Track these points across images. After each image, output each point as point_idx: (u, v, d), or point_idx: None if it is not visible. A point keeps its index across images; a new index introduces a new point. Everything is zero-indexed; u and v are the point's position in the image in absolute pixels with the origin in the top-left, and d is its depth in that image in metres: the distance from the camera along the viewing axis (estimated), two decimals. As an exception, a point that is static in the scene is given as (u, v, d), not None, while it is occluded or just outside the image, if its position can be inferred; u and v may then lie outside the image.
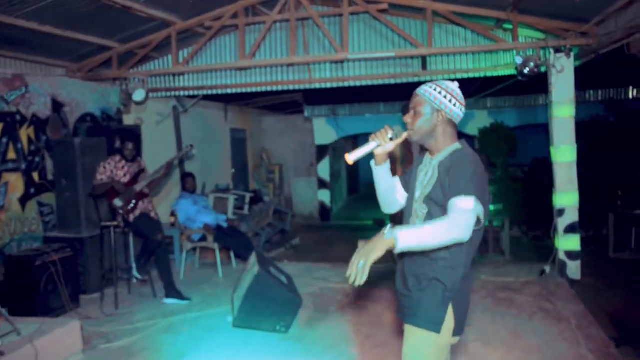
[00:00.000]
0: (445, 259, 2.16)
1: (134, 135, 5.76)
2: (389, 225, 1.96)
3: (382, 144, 2.38)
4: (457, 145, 2.27)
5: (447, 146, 2.27)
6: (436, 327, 2.18)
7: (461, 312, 2.21)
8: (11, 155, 5.83)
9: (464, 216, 1.97)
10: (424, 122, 2.26)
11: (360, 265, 1.90)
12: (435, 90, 2.25)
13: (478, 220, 2.05)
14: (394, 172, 2.54)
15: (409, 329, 2.27)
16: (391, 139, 2.38)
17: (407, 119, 2.32)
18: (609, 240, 7.57)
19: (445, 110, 2.23)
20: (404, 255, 2.26)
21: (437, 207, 2.18)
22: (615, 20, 5.29)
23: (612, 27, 5.33)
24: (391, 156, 2.53)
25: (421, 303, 2.21)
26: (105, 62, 7.05)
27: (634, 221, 7.58)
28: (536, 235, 8.91)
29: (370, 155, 2.48)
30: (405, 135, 2.37)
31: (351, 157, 2.35)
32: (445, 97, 2.23)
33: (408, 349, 2.26)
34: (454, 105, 2.24)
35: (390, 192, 2.51)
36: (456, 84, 2.29)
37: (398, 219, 2.46)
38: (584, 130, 6.31)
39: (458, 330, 2.22)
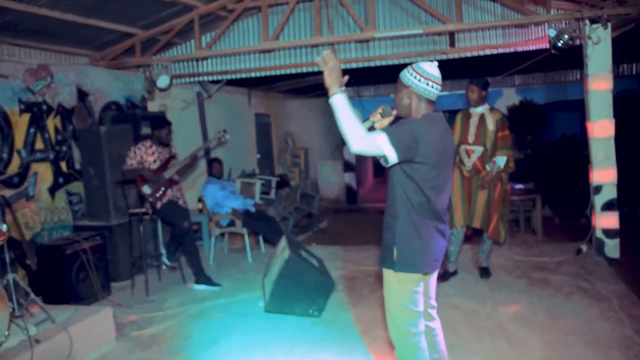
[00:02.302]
0: (390, 211, 2.69)
1: (166, 121, 5.75)
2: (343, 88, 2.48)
3: (377, 120, 2.85)
4: (421, 114, 2.68)
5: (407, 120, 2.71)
6: (388, 264, 2.67)
7: (407, 253, 2.61)
8: (39, 145, 5.85)
9: (370, 137, 2.46)
10: (400, 99, 2.74)
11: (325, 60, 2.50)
12: (407, 71, 2.69)
13: (390, 162, 2.53)
14: None
15: (383, 272, 2.76)
16: (382, 116, 2.85)
17: (394, 98, 2.81)
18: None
19: (412, 86, 2.65)
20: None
21: (392, 172, 2.68)
22: (657, -14, 5.05)
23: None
24: None
25: (382, 247, 2.74)
26: (128, 50, 7.00)
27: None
28: (568, 215, 8.69)
29: None
30: (394, 112, 2.84)
31: None
32: (412, 75, 2.65)
33: (383, 289, 2.77)
34: (419, 81, 2.63)
35: None
36: (432, 64, 2.68)
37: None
38: (618, 105, 6.07)
39: (409, 268, 2.62)
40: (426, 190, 2.59)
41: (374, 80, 10.64)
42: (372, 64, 7.10)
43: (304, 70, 7.46)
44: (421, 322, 2.73)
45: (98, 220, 6.07)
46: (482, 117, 5.17)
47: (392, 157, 2.48)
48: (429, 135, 2.55)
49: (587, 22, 5.77)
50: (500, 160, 5.10)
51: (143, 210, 5.67)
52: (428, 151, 2.54)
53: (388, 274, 2.70)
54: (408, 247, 2.62)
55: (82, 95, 6.48)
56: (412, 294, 2.67)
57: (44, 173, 5.90)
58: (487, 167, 5.13)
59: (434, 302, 2.92)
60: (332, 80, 2.47)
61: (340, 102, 2.44)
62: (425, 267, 2.67)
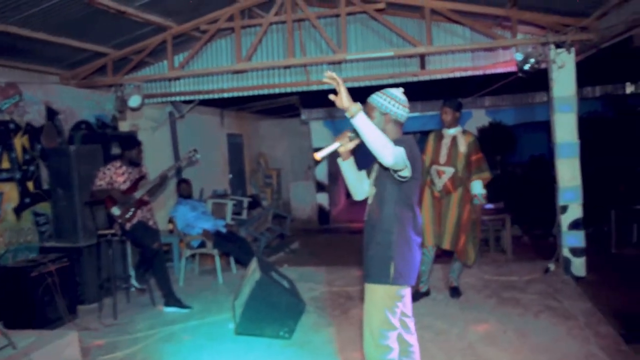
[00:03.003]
0: (382, 227, 2.76)
1: (136, 140, 5.72)
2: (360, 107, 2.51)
3: (343, 143, 2.86)
4: (397, 137, 2.82)
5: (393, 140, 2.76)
6: (383, 280, 2.74)
7: (402, 266, 2.74)
8: (5, 164, 5.73)
9: (397, 149, 2.51)
10: (375, 124, 2.67)
11: (334, 78, 2.48)
12: (381, 97, 2.83)
13: (405, 176, 2.66)
14: None
15: (366, 287, 2.82)
16: (350, 139, 2.86)
17: None
18: (611, 236, 7.51)
19: (390, 113, 2.81)
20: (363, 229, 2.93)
21: (382, 188, 2.79)
22: (617, 13, 5.24)
23: (614, 21, 5.28)
24: None
25: (370, 263, 2.80)
26: (99, 69, 6.95)
27: (635, 216, 7.53)
28: (536, 234, 8.84)
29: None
30: None
31: (319, 155, 2.80)
32: (389, 102, 2.81)
33: (366, 304, 2.81)
34: (397, 108, 2.82)
35: (358, 182, 3.04)
36: (400, 90, 2.88)
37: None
38: (583, 127, 6.26)
39: (402, 281, 2.76)
40: (414, 205, 2.81)
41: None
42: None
43: (277, 91, 7.49)
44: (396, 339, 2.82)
45: (66, 241, 5.95)
46: (454, 139, 5.23)
47: (409, 170, 2.65)
48: (417, 152, 2.79)
49: (552, 46, 5.96)
50: (476, 185, 5.19)
51: (112, 231, 5.59)
52: (418, 167, 2.77)
53: (377, 289, 2.76)
54: (404, 260, 2.75)
55: (51, 114, 6.39)
56: (397, 308, 2.79)
57: (9, 193, 5.77)
58: (475, 202, 5.21)
59: (410, 314, 2.99)
60: (349, 99, 2.49)
61: (364, 120, 2.47)
62: (414, 279, 2.84)
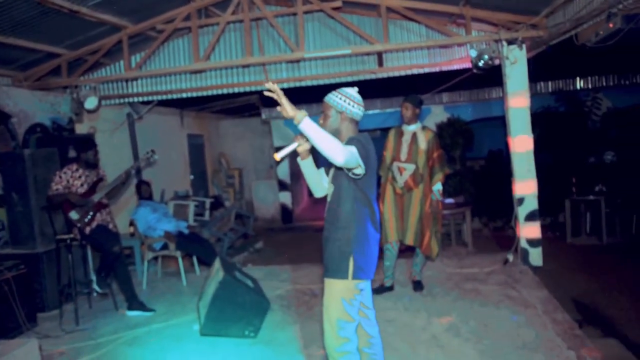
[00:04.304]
0: (341, 223, 2.81)
1: (92, 142, 5.61)
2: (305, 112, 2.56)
3: (301, 143, 2.89)
4: (352, 135, 2.88)
5: (347, 137, 2.87)
6: (342, 274, 2.79)
7: (361, 260, 2.80)
8: (-44, 170, 5.55)
9: (347, 148, 2.59)
10: (331, 123, 2.91)
11: (273, 88, 2.58)
12: (337, 96, 2.89)
13: (358, 174, 2.72)
14: None
15: (325, 282, 2.87)
16: (307, 139, 2.81)
17: (320, 120, 2.92)
18: (566, 226, 7.77)
19: (345, 112, 2.88)
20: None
21: (339, 185, 2.84)
22: (564, 11, 5.43)
23: (561, 19, 5.47)
24: None
25: (330, 259, 2.85)
26: (54, 70, 6.80)
27: (588, 206, 7.81)
28: (496, 226, 9.06)
29: None
30: None
31: (278, 155, 2.87)
32: (344, 101, 2.87)
33: (325, 298, 2.86)
34: (352, 107, 2.88)
35: (318, 180, 3.10)
36: (355, 89, 2.96)
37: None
38: (537, 121, 6.46)
39: (362, 275, 2.82)
40: (372, 201, 2.87)
41: (305, 100, 10.72)
42: (303, 83, 7.22)
43: (236, 90, 7.47)
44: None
45: (23, 248, 5.79)
46: (414, 136, 5.31)
47: (362, 168, 2.70)
48: (372, 148, 2.84)
49: (505, 43, 6.13)
50: (437, 187, 5.29)
51: (71, 235, 5.47)
52: (373, 164, 2.85)
53: (336, 284, 2.82)
54: (363, 255, 2.81)
55: (3, 117, 6.20)
56: (355, 300, 2.83)
57: (-39, 200, 5.59)
58: (432, 198, 5.30)
59: (371, 306, 3.05)
60: (292, 107, 2.59)
61: (311, 124, 2.55)
62: (373, 273, 2.91)
